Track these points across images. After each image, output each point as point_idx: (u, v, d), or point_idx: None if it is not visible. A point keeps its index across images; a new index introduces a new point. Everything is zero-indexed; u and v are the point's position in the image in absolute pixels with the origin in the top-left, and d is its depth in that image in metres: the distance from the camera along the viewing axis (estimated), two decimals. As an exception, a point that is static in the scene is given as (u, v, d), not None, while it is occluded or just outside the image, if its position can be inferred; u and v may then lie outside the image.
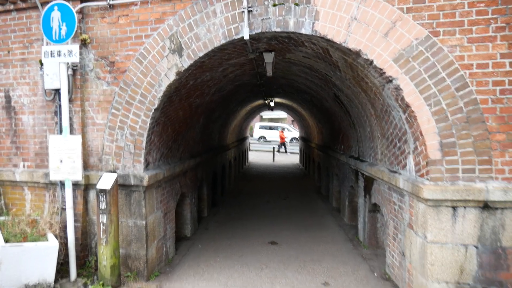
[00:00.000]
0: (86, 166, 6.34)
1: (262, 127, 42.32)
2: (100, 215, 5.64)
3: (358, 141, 8.69)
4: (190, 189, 9.29)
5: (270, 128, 42.18)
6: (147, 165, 6.24)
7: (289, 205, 12.81)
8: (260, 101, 17.28)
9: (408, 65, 4.84)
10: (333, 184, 12.37)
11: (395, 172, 6.02)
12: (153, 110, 5.94)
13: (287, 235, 9.28)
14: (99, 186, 5.65)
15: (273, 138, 39.35)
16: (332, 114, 10.80)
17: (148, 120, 5.97)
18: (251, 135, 48.82)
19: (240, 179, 19.33)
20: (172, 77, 5.81)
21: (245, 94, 12.50)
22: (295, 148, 35.63)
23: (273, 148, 30.40)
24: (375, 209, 7.91)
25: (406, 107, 4.98)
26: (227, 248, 8.35)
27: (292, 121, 51.07)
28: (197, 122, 9.25)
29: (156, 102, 5.92)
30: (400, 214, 5.90)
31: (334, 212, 11.72)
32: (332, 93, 8.65)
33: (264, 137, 40.51)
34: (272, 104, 17.43)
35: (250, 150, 33.03)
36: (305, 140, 22.76)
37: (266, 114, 52.55)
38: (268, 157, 30.70)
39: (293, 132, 40.73)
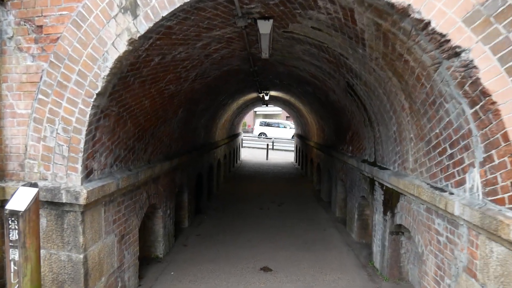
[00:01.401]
0: (1, 174, 4.48)
1: (262, 124, 41.00)
2: (11, 250, 3.79)
3: (375, 143, 6.91)
4: (164, 198, 7.46)
5: (270, 124, 40.84)
6: (88, 174, 4.40)
7: (286, 214, 11.02)
8: (254, 94, 15.43)
9: (489, 29, 3.03)
10: (337, 190, 10.60)
11: (441, 190, 4.23)
12: (95, 96, 4.10)
13: (284, 258, 7.49)
14: (10, 206, 3.79)
15: (274, 135, 37.78)
16: (339, 109, 9.00)
17: (89, 110, 4.12)
18: (251, 132, 47.31)
19: (231, 179, 17.51)
20: (123, 47, 3.96)
21: (236, 84, 10.66)
22: (290, 146, 33.83)
23: (267, 145, 28.60)
24: (398, 230, 6.14)
25: (479, 95, 3.18)
26: (208, 277, 6.54)
27: (287, 117, 49.40)
28: (173, 115, 7.41)
29: (100, 84, 4.07)
30: (450, 251, 4.12)
31: (338, 224, 9.94)
32: (344, 82, 6.84)
33: (265, 134, 39.11)
34: (267, 98, 15.60)
35: (242, 147, 31.20)
36: (302, 138, 20.96)
37: (260, 109, 50.89)
38: (262, 155, 28.89)
39: (294, 129, 39.40)
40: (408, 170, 5.33)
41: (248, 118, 51.34)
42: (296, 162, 24.78)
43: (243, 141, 33.59)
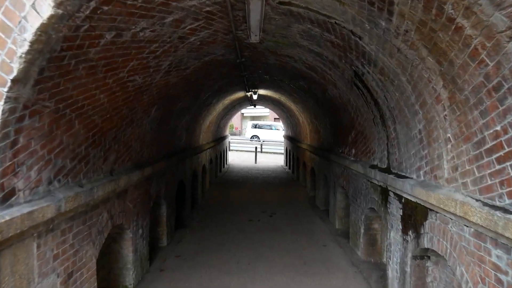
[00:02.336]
0: None
1: (254, 126, 40.29)
2: None
3: (389, 145, 5.72)
4: (135, 216, 6.16)
5: (261, 127, 40.25)
6: (7, 197, 3.09)
7: (279, 226, 9.78)
8: (241, 93, 14.19)
9: None
10: (336, 199, 9.41)
11: (504, 210, 3.04)
12: (9, 83, 2.80)
13: (281, 286, 6.24)
14: None
15: (266, 138, 36.87)
16: (339, 106, 7.82)
17: (1, 105, 2.82)
18: (239, 134, 46.17)
19: (218, 185, 16.22)
20: (48, 10, 2.68)
21: (221, 80, 9.41)
22: (279, 148, 32.67)
23: (255, 148, 27.37)
24: (424, 254, 4.95)
25: None
26: (187, 315, 5.26)
27: (275, 119, 48.31)
28: (145, 115, 6.13)
29: (16, 66, 2.78)
30: (521, 298, 2.93)
31: (339, 238, 8.74)
32: (351, 71, 5.65)
33: (257, 136, 38.33)
34: (255, 97, 14.36)
35: (229, 150, 29.95)
36: (292, 140, 19.78)
37: (248, 111, 49.77)
38: (250, 158, 27.66)
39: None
40: (442, 180, 4.14)
41: (235, 120, 50.11)
42: (286, 165, 23.61)
43: (231, 144, 32.35)
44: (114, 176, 5.21)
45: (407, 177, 5.07)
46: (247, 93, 14.05)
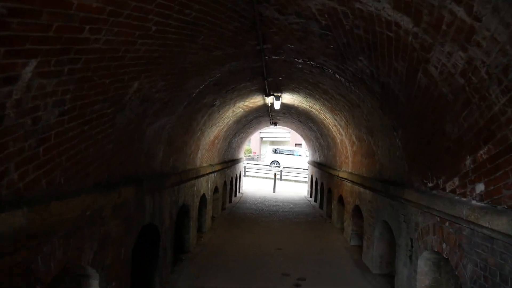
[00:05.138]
0: None
1: (274, 151, 36.95)
2: None
3: None
4: None
5: (282, 152, 36.89)
6: None
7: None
8: (259, 99, 10.44)
9: None
10: (417, 270, 5.31)
11: None
12: None
13: None
14: None
15: (287, 164, 33.22)
16: (445, 101, 3.88)
17: None
18: (257, 159, 42.49)
19: (224, 222, 12.28)
20: None
21: (228, 60, 5.66)
22: (301, 175, 28.58)
23: (274, 174, 23.39)
24: None
25: None
26: None
27: (296, 144, 44.49)
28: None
29: None
30: None
31: None
32: None
33: (277, 162, 34.91)
34: (277, 105, 10.57)
35: (245, 176, 26.08)
36: (321, 166, 15.77)
37: (267, 135, 46.22)
38: (268, 186, 23.67)
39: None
40: None
41: (253, 144, 46.67)
42: (311, 196, 19.52)
43: (246, 169, 28.50)
44: None
45: None
46: (266, 99, 10.27)
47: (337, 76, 6.42)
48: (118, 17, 2.92)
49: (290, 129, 37.37)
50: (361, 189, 8.67)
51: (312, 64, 6.33)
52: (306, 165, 33.41)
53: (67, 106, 3.13)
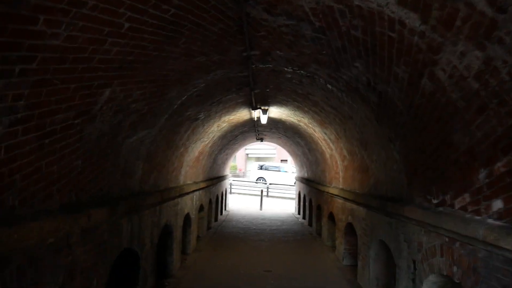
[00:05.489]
0: None
1: (260, 167, 36.56)
2: None
3: None
4: None
5: (268, 168, 36.44)
6: None
7: None
8: (245, 113, 10.02)
9: None
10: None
11: None
12: None
13: None
14: None
15: (273, 180, 32.79)
16: (445, 108, 3.50)
17: None
18: (242, 176, 41.88)
19: (209, 242, 11.68)
20: None
21: (213, 68, 5.24)
22: (288, 192, 28.12)
23: (261, 191, 22.87)
24: None
25: None
26: None
27: (281, 160, 44.09)
28: None
29: None
30: None
31: None
32: None
33: (263, 178, 34.45)
34: (264, 119, 10.17)
35: (231, 193, 25.47)
36: (309, 182, 15.36)
37: (252, 151, 45.71)
38: (254, 203, 23.12)
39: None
40: None
41: (239, 161, 46.03)
42: (298, 213, 19.03)
43: (232, 186, 27.90)
44: None
45: None
46: (253, 112, 9.86)
47: (329, 86, 6.05)
48: (81, 8, 2.45)
49: (276, 145, 37.04)
50: (354, 206, 8.24)
51: (302, 73, 5.95)
52: (293, 181, 33.04)
53: (21, 114, 2.63)
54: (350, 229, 8.91)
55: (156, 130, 5.78)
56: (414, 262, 5.10)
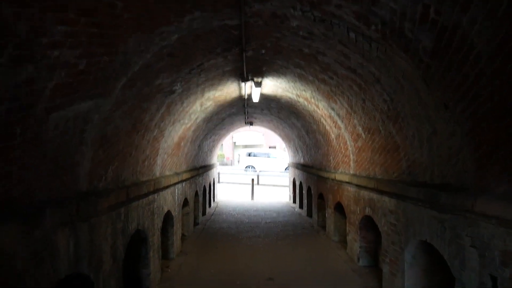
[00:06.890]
0: None
1: (249, 155, 35.07)
2: None
3: None
4: None
5: (257, 155, 34.96)
6: None
7: None
8: (234, 88, 8.28)
9: None
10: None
11: None
12: None
13: None
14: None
15: (263, 168, 31.43)
16: None
17: None
18: (230, 164, 40.23)
19: (198, 239, 10.05)
20: None
21: (194, 24, 3.48)
22: (280, 180, 26.59)
23: (252, 180, 21.22)
24: None
25: None
26: None
27: (269, 147, 42.55)
28: None
29: None
30: None
31: None
32: None
33: (253, 166, 33.01)
34: (257, 95, 8.46)
35: (219, 182, 23.76)
36: (307, 168, 13.75)
37: (240, 139, 44.01)
38: (245, 192, 21.53)
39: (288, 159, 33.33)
40: None
41: (226, 149, 44.31)
42: (294, 202, 17.47)
43: (220, 176, 26.19)
44: None
45: None
46: (243, 87, 8.13)
47: (352, 34, 4.33)
48: None
49: (264, 131, 35.38)
50: (375, 195, 6.62)
51: (315, 16, 4.21)
52: (283, 168, 31.52)
53: None
54: (367, 223, 7.31)
55: (111, 103, 4.01)
56: (493, 278, 3.49)
